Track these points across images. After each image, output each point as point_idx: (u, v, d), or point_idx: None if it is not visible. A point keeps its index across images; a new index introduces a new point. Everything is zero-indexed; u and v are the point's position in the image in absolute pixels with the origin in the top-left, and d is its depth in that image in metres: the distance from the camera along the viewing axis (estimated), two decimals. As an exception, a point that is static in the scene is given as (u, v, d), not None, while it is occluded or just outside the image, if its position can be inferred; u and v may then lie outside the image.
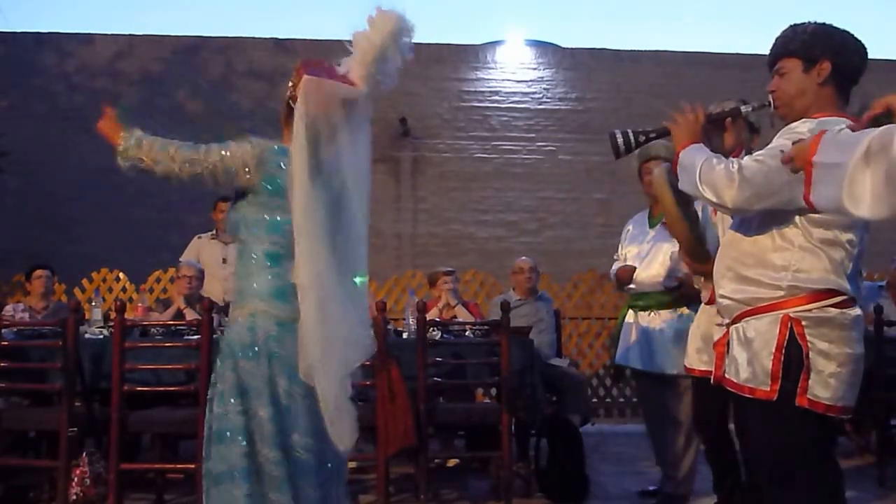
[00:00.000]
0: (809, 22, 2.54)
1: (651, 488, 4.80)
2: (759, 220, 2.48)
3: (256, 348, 2.60)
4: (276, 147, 2.72)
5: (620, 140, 2.66)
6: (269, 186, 2.68)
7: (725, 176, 2.38)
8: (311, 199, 2.57)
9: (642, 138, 2.69)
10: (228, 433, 2.57)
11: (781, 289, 2.40)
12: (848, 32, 2.54)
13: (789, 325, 2.37)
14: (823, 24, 2.53)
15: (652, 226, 4.62)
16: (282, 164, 2.67)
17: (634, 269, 4.54)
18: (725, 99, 3.59)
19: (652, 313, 4.49)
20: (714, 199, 2.42)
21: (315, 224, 2.56)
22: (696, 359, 3.61)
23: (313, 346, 2.52)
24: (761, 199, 2.37)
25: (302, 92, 2.64)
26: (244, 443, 2.55)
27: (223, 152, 2.66)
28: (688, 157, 2.52)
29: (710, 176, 2.41)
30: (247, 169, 2.65)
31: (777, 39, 2.57)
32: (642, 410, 4.94)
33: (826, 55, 2.47)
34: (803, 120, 2.45)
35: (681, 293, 4.33)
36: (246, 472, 2.52)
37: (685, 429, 4.39)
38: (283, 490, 2.53)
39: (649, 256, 4.51)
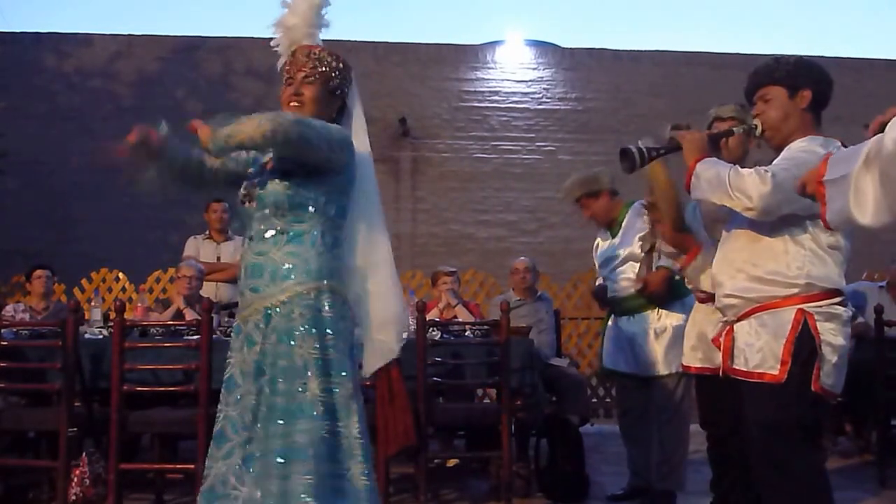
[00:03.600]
0: (791, 55, 2.86)
1: (619, 491, 4.75)
2: (769, 224, 2.66)
3: (336, 322, 2.61)
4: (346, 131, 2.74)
5: (637, 155, 2.79)
6: (348, 170, 2.69)
7: (759, 182, 2.54)
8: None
9: (654, 153, 2.84)
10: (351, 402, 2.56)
11: (798, 286, 2.62)
12: (822, 66, 2.82)
13: (803, 318, 2.59)
14: (802, 56, 2.84)
15: (614, 235, 4.73)
16: (353, 148, 2.70)
17: (605, 286, 4.70)
18: (723, 103, 3.65)
19: (630, 317, 4.56)
20: (747, 204, 2.57)
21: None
22: (692, 356, 3.63)
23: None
24: (790, 203, 2.53)
25: (346, 67, 2.75)
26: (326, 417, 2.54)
27: (325, 127, 2.63)
28: (709, 170, 2.69)
29: (741, 182, 2.57)
30: (342, 149, 2.64)
31: (760, 69, 2.83)
32: (621, 413, 4.90)
33: (808, 84, 2.74)
34: (808, 138, 2.69)
35: (648, 293, 4.38)
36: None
37: (675, 424, 4.40)
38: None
39: (617, 263, 4.63)
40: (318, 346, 2.52)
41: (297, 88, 2.70)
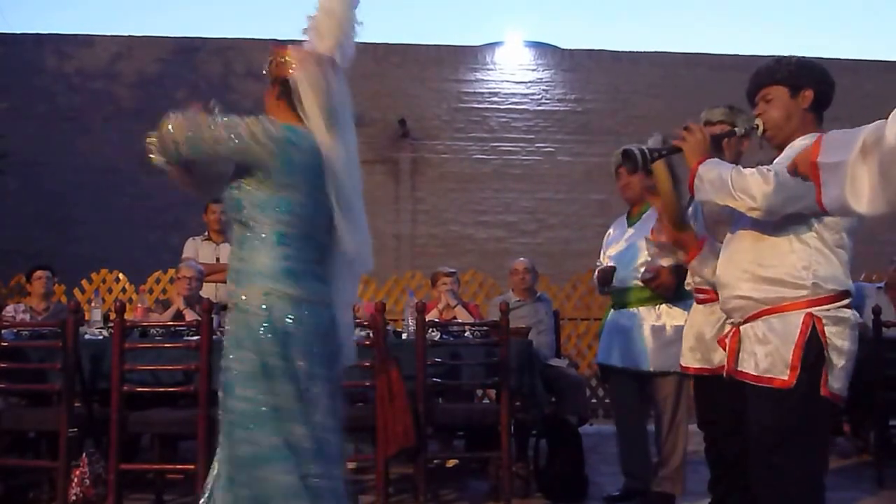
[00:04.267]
0: (792, 56, 2.82)
1: (615, 493, 4.71)
2: (773, 223, 2.64)
3: (274, 327, 2.52)
4: (284, 124, 2.65)
5: (639, 156, 2.82)
6: (280, 163, 2.57)
7: (762, 181, 2.55)
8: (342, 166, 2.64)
9: (656, 154, 2.87)
10: (259, 415, 2.49)
11: (806, 287, 2.61)
12: (824, 67, 2.83)
13: (811, 323, 2.57)
14: (804, 57, 2.82)
15: (631, 224, 4.67)
16: (294, 140, 2.60)
17: (614, 268, 4.59)
18: (715, 105, 3.67)
19: (631, 310, 4.51)
20: (750, 204, 2.58)
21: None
22: (690, 357, 3.64)
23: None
24: (793, 202, 2.53)
25: (297, 59, 2.67)
26: (276, 423, 2.49)
27: (230, 123, 2.57)
28: (711, 171, 2.69)
29: (744, 182, 2.58)
30: (256, 139, 2.54)
31: (762, 69, 2.82)
32: (615, 411, 4.90)
33: (810, 84, 2.75)
34: (810, 135, 2.65)
35: (657, 284, 4.34)
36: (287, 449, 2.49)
37: (672, 425, 4.40)
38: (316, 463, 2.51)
39: (629, 253, 4.56)
40: (258, 352, 2.49)
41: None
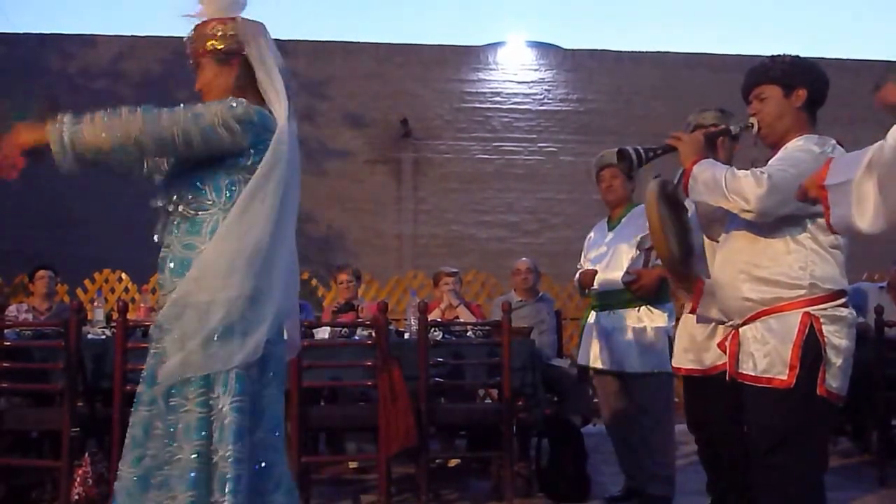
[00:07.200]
0: (787, 54, 2.82)
1: (616, 493, 4.71)
2: (768, 224, 2.64)
3: None
4: (258, 108, 2.39)
5: (634, 156, 2.83)
6: (254, 150, 2.34)
7: (755, 183, 2.55)
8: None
9: (651, 154, 2.87)
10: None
11: (803, 287, 2.60)
12: (818, 65, 2.82)
13: (809, 322, 2.57)
14: (798, 56, 2.81)
15: (611, 228, 4.68)
16: (269, 126, 2.37)
17: (596, 272, 4.59)
18: (705, 109, 3.68)
19: (612, 312, 4.50)
20: (744, 206, 2.58)
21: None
22: (683, 358, 3.64)
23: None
24: (787, 204, 2.52)
25: (247, 33, 2.42)
26: None
27: (197, 110, 2.29)
28: (705, 171, 2.69)
29: (737, 184, 2.58)
30: (227, 127, 2.28)
31: (756, 68, 2.83)
32: (603, 413, 4.90)
33: (803, 84, 2.74)
34: (804, 137, 2.69)
35: (639, 286, 4.36)
36: None
37: (661, 426, 4.39)
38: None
39: (608, 257, 4.56)
40: None
41: (197, 79, 2.48)
